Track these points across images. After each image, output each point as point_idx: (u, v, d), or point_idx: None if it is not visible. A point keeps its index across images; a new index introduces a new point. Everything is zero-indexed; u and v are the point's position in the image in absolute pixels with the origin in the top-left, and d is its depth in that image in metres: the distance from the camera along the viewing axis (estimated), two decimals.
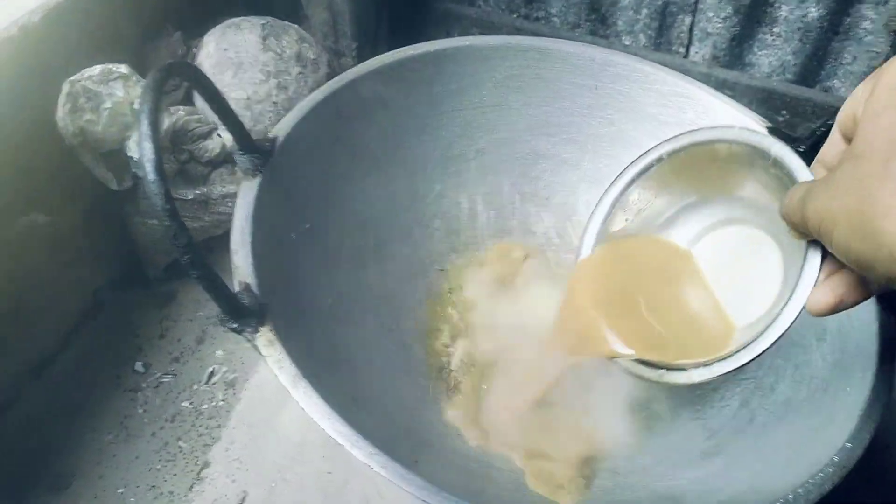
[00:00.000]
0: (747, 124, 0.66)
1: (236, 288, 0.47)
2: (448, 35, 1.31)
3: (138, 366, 0.89)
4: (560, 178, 0.75)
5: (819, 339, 0.56)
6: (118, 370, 0.88)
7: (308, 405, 0.42)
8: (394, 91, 0.67)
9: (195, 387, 0.87)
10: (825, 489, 0.43)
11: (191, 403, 0.85)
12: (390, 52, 0.66)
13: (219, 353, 0.91)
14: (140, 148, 0.40)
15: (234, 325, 0.45)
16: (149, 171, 0.40)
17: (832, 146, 0.42)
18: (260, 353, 0.45)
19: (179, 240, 0.40)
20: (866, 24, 1.18)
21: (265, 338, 0.45)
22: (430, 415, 0.61)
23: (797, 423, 0.52)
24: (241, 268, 0.48)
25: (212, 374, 0.88)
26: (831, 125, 0.59)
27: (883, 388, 0.48)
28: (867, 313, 0.52)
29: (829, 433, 0.47)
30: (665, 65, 1.27)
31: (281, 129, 0.58)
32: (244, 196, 0.52)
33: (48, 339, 0.86)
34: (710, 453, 0.55)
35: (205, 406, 0.85)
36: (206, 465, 0.77)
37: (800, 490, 0.43)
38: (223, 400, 0.85)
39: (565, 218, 0.75)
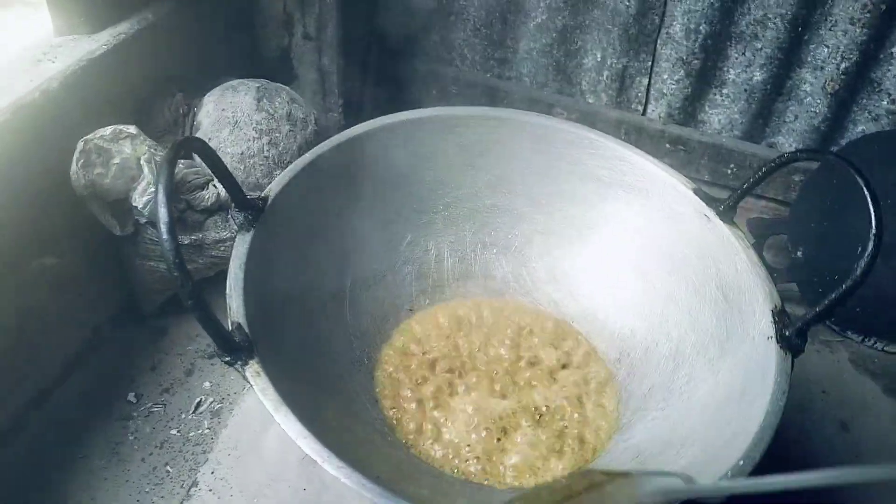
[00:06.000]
0: (675, 184, 0.76)
1: (229, 327, 0.56)
2: (428, 91, 1.43)
3: (131, 396, 0.96)
4: (517, 229, 0.84)
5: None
6: (112, 400, 0.95)
7: (287, 426, 0.51)
8: (371, 154, 0.77)
9: (183, 416, 0.94)
10: None
11: (179, 431, 0.92)
12: (367, 122, 0.76)
13: (206, 384, 0.98)
14: (157, 213, 0.49)
15: (228, 359, 0.53)
16: (164, 232, 0.48)
17: None
18: (248, 382, 0.53)
19: (185, 287, 0.49)
20: (806, 87, 1.31)
21: (253, 369, 0.53)
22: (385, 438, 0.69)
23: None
24: (234, 310, 0.57)
25: (199, 404, 0.95)
26: (760, 176, 0.68)
27: None
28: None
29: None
30: (624, 122, 1.39)
31: (272, 189, 0.67)
32: (238, 248, 0.61)
33: (50, 371, 0.93)
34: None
35: (192, 433, 0.92)
36: (194, 484, 0.83)
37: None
38: (209, 428, 0.92)
39: (521, 264, 0.85)
